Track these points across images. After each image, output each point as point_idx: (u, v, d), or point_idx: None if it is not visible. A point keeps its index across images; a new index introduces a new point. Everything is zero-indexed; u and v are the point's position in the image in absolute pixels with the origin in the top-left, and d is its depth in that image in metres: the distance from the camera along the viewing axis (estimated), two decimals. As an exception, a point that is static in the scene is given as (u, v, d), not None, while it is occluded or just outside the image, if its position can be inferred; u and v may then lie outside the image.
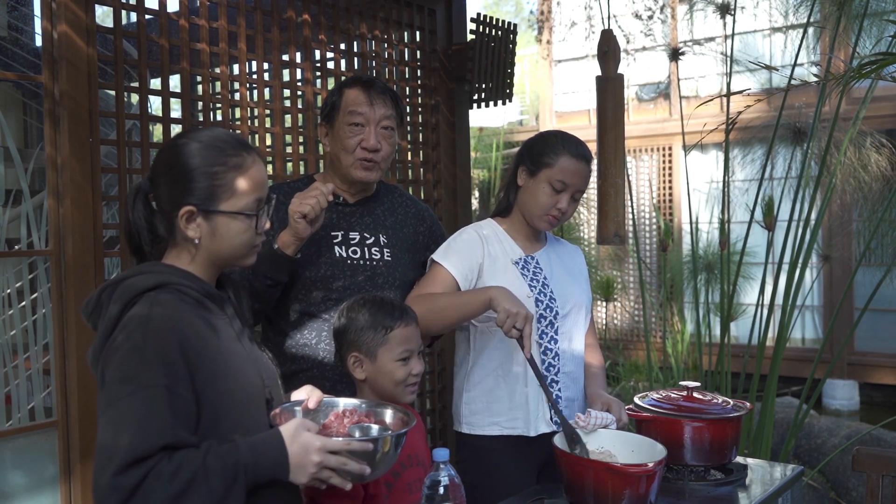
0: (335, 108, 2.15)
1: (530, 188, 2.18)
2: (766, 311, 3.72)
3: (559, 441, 1.85)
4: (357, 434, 1.52)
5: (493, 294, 1.94)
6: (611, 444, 1.91)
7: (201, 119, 4.02)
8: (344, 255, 2.14)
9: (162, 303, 1.39)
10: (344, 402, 1.63)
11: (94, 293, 1.46)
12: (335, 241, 2.14)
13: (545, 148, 2.17)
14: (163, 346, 1.33)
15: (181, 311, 1.40)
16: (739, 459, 2.13)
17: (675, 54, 4.84)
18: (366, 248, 2.17)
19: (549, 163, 2.14)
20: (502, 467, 2.15)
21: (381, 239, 2.21)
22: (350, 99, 2.13)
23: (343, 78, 3.26)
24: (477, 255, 2.16)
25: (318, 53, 3.35)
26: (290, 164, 3.33)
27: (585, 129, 8.05)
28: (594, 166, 2.43)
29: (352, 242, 2.16)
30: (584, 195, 2.45)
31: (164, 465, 1.27)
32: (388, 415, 1.61)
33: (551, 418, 2.14)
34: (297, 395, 1.59)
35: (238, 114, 3.04)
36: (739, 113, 3.60)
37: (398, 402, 1.84)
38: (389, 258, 2.20)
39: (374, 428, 1.56)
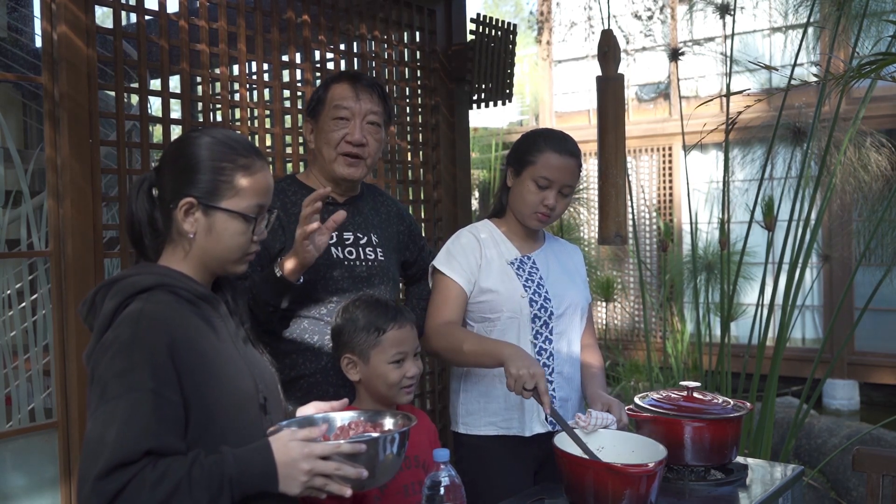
0: (321, 102, 2.12)
1: (517, 188, 2.20)
2: (766, 311, 3.72)
3: (559, 441, 1.85)
4: None
5: (506, 357, 1.90)
6: (611, 444, 1.90)
7: (201, 120, 4.02)
8: (340, 255, 2.12)
9: (154, 302, 1.37)
10: (342, 416, 1.59)
11: (90, 294, 1.45)
12: (330, 241, 2.10)
13: (528, 146, 2.20)
14: (151, 347, 1.32)
15: (174, 311, 1.38)
16: (740, 459, 2.13)
17: (674, 54, 4.84)
18: (360, 249, 2.16)
19: (531, 160, 2.16)
20: (499, 467, 2.15)
21: (373, 238, 2.20)
22: (336, 93, 2.10)
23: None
24: (476, 257, 2.19)
25: (317, 54, 3.35)
26: (289, 165, 3.33)
27: (585, 130, 8.06)
28: (594, 166, 2.43)
29: (346, 243, 2.14)
30: (585, 195, 2.45)
31: (147, 473, 1.25)
32: (389, 422, 1.59)
33: (546, 419, 2.15)
34: (302, 412, 1.57)
35: (238, 114, 3.04)
36: (739, 113, 3.60)
37: (395, 403, 1.83)
38: (382, 258, 2.19)
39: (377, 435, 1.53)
